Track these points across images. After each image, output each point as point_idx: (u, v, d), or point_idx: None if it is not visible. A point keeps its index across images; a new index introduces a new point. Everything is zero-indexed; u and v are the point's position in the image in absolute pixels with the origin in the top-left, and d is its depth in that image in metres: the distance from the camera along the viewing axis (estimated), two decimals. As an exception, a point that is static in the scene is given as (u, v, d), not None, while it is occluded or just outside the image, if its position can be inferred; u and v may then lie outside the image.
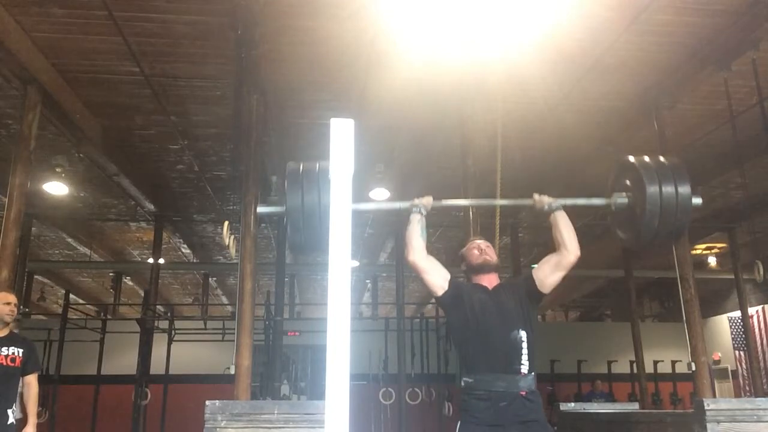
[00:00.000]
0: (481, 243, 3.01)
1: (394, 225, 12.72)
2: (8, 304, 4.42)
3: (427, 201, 2.96)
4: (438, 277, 2.82)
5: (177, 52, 6.92)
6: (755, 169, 9.46)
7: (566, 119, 8.18)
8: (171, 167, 10.34)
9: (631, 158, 2.73)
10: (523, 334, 2.69)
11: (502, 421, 2.58)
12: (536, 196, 2.99)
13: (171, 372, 11.02)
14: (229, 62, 6.95)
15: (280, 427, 3.21)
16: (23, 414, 4.41)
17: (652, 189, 2.53)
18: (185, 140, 9.09)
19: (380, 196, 10.14)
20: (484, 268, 2.89)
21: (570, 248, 2.78)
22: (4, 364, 4.23)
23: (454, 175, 8.53)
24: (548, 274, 2.80)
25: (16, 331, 4.73)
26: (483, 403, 2.61)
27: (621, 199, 2.74)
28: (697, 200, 2.58)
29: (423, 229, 2.87)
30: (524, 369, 2.65)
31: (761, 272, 11.19)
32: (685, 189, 2.53)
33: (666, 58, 7.04)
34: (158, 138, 9.19)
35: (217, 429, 3.16)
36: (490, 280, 2.88)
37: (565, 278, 2.82)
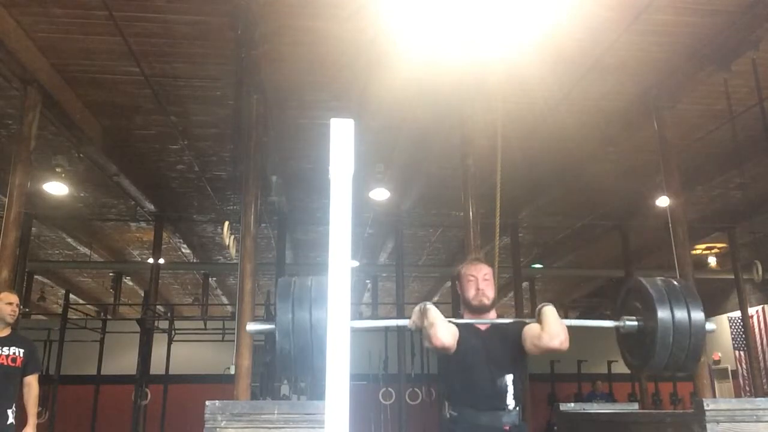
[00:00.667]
0: (479, 277, 2.85)
1: (394, 225, 12.74)
2: (10, 304, 4.41)
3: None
4: (455, 343, 2.65)
5: (177, 52, 6.92)
6: (755, 169, 9.46)
7: (566, 119, 8.18)
8: (171, 167, 10.34)
9: (642, 280, 2.61)
10: (508, 378, 2.69)
11: None
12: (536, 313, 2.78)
13: (171, 372, 11.02)
14: (229, 62, 6.95)
15: (280, 427, 3.21)
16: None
17: (664, 314, 2.44)
18: (185, 140, 9.09)
19: (380, 196, 10.14)
20: (480, 310, 2.83)
21: (546, 335, 2.57)
22: (5, 363, 4.23)
23: (454, 175, 8.54)
24: (530, 342, 2.66)
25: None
26: None
27: (630, 322, 2.62)
28: (711, 327, 2.50)
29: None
30: (509, 407, 2.67)
31: (760, 272, 11.20)
32: (698, 314, 2.44)
33: (666, 58, 7.04)
34: (158, 138, 9.19)
35: (217, 429, 3.16)
36: (485, 317, 2.83)
37: (543, 352, 2.68)
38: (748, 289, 14.20)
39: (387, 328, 11.80)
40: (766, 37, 6.27)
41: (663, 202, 8.44)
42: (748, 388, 14.07)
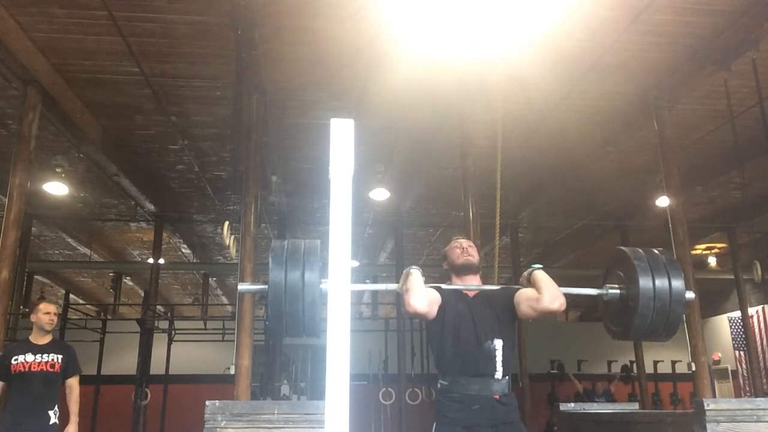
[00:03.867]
0: (464, 242, 2.97)
1: (394, 225, 12.73)
2: (48, 313, 4.66)
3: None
4: (435, 309, 2.72)
5: (177, 52, 6.92)
6: (755, 169, 9.46)
7: (566, 119, 8.18)
8: (171, 167, 10.34)
9: (625, 250, 2.70)
10: (497, 342, 2.70)
11: (475, 423, 2.62)
12: (523, 279, 2.84)
13: (171, 372, 11.01)
14: (229, 62, 6.95)
15: (280, 427, 3.20)
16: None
17: (646, 283, 2.52)
18: (185, 140, 9.09)
19: (380, 196, 10.14)
20: (465, 268, 2.87)
21: (546, 298, 2.62)
22: (45, 369, 4.51)
23: (454, 175, 8.54)
24: (526, 305, 2.71)
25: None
26: (456, 405, 2.65)
27: (613, 290, 2.71)
28: (690, 295, 2.57)
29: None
30: (498, 374, 2.68)
31: (760, 272, 11.20)
32: (678, 283, 2.52)
33: (666, 58, 7.04)
34: (158, 138, 9.19)
35: (217, 429, 3.16)
36: (471, 281, 2.88)
37: (536, 316, 2.73)
38: (748, 289, 14.19)
39: (387, 328, 11.80)
40: (766, 37, 6.27)
41: (663, 202, 8.44)
42: (748, 388, 14.07)
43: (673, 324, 2.56)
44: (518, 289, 2.80)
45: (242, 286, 2.61)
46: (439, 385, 2.76)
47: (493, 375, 2.68)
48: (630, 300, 2.60)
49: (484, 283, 3.02)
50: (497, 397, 2.66)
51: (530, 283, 2.74)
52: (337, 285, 1.18)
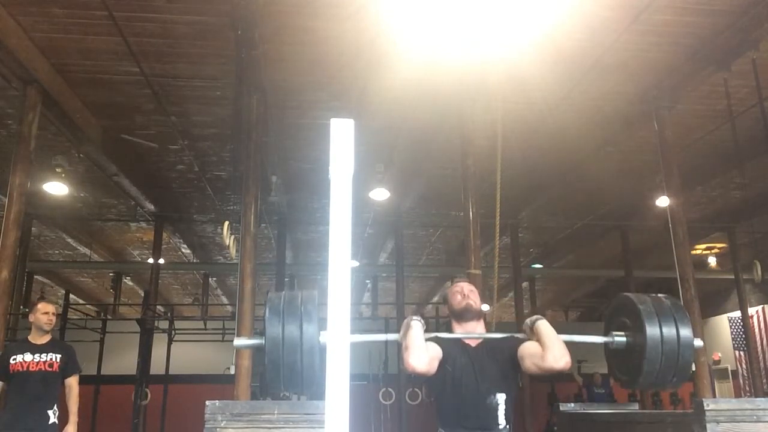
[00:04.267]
0: (465, 287, 2.87)
1: (394, 225, 12.73)
2: (46, 313, 4.67)
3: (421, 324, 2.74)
4: (435, 365, 2.64)
5: (177, 52, 6.92)
6: (755, 169, 9.46)
7: (566, 119, 8.18)
8: (171, 167, 10.34)
9: (630, 296, 2.64)
10: (500, 397, 2.64)
11: None
12: (526, 326, 2.75)
13: (171, 372, 11.02)
14: (229, 62, 6.95)
15: (280, 427, 3.21)
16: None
17: (653, 330, 2.46)
18: (185, 140, 9.09)
19: (380, 196, 10.13)
20: (466, 314, 2.80)
21: (550, 357, 2.53)
22: (43, 369, 4.51)
23: (454, 175, 8.54)
24: (530, 362, 2.62)
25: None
26: None
27: (620, 338, 2.64)
28: (698, 343, 2.51)
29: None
30: (500, 426, 2.64)
31: (759, 272, 11.21)
32: (686, 331, 2.46)
33: (666, 58, 7.04)
34: (158, 138, 9.19)
35: (217, 429, 3.16)
36: (473, 327, 2.80)
37: (539, 371, 2.60)
38: (748, 289, 14.20)
39: (387, 328, 11.80)
40: (766, 37, 6.27)
41: (663, 202, 8.44)
42: (748, 388, 14.07)
43: (684, 371, 2.48)
44: (522, 341, 2.70)
45: (238, 342, 2.50)
46: None
47: (496, 427, 2.63)
48: (637, 347, 2.52)
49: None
50: None
51: (533, 333, 2.65)
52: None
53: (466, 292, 2.83)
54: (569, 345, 2.60)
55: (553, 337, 2.58)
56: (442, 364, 2.65)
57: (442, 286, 17.51)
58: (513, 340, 2.73)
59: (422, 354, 2.52)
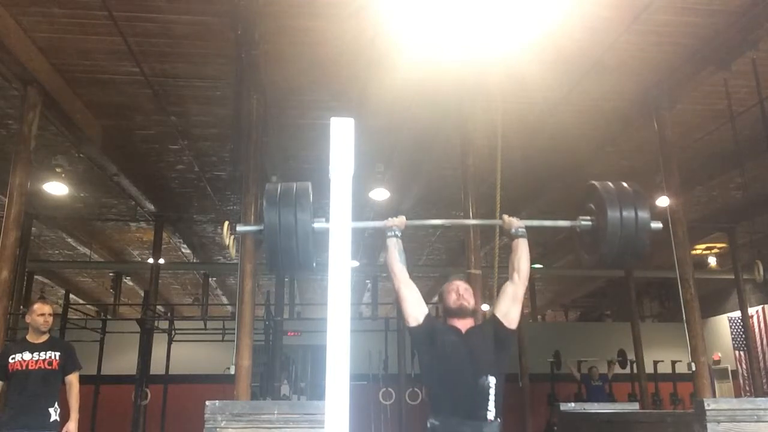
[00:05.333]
0: (460, 286, 2.98)
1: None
2: (42, 314, 4.69)
3: (401, 221, 2.97)
4: (415, 309, 2.84)
5: (177, 52, 6.92)
6: (755, 169, 9.46)
7: (566, 119, 8.18)
8: (171, 167, 10.34)
9: (596, 183, 2.88)
10: (491, 380, 2.70)
11: None
12: (506, 218, 3.08)
13: (171, 372, 11.02)
14: (229, 62, 6.95)
15: (280, 427, 3.21)
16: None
17: (613, 213, 2.70)
18: (185, 140, 9.09)
19: (380, 196, 10.13)
20: (460, 313, 2.89)
21: (522, 276, 2.90)
22: (43, 367, 4.54)
23: (454, 175, 8.54)
24: (509, 307, 2.85)
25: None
26: None
27: (585, 222, 2.89)
28: (656, 225, 2.75)
29: (401, 252, 2.93)
30: (490, 416, 2.68)
31: (761, 272, 11.20)
32: (644, 214, 2.70)
33: (666, 58, 7.04)
34: (158, 138, 9.18)
35: (217, 429, 3.16)
36: (464, 324, 2.89)
37: (523, 309, 2.88)
38: (748, 289, 14.19)
39: (387, 328, 11.80)
40: (766, 37, 6.27)
41: (663, 202, 8.44)
42: (748, 388, 14.07)
43: (639, 251, 2.76)
44: (493, 313, 2.93)
45: (240, 228, 2.79)
46: (429, 424, 2.75)
47: (486, 417, 2.66)
48: (600, 230, 2.79)
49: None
50: None
51: (511, 238, 3.03)
52: (338, 286, 1.18)
53: (461, 292, 2.94)
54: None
55: (528, 258, 3.00)
56: (432, 335, 2.81)
57: (442, 286, 17.49)
58: (487, 319, 2.98)
59: (400, 276, 2.88)
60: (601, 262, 2.89)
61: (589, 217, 2.88)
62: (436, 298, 18.23)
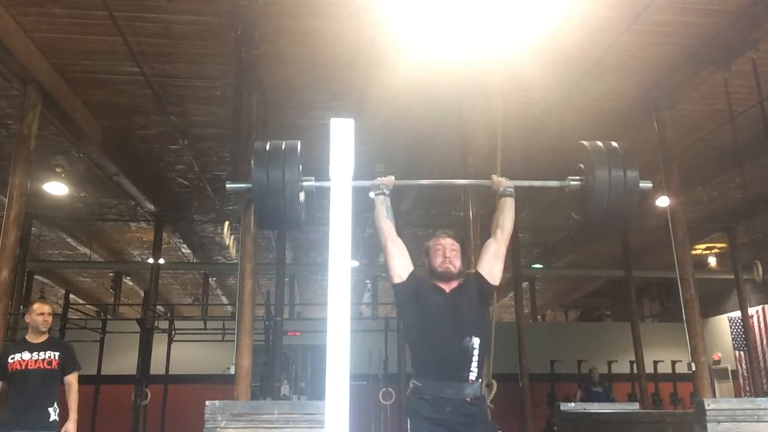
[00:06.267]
0: (447, 246, 2.96)
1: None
2: (42, 314, 4.68)
3: (389, 180, 3.04)
4: (400, 265, 2.86)
5: (177, 52, 6.92)
6: (755, 169, 9.46)
7: (566, 119, 8.17)
8: (171, 167, 10.34)
9: (585, 143, 2.85)
10: (475, 340, 2.70)
11: (448, 419, 2.65)
12: (494, 177, 3.10)
13: (171, 372, 11.02)
14: (229, 62, 6.95)
15: (280, 427, 3.20)
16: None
17: (602, 172, 2.65)
18: (185, 140, 9.09)
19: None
20: (445, 277, 2.89)
21: (505, 233, 2.93)
22: (42, 367, 4.53)
23: (454, 175, 8.52)
24: (492, 264, 2.88)
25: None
26: (429, 406, 2.67)
27: (574, 182, 2.86)
28: (645, 185, 2.70)
29: (388, 209, 2.97)
30: (472, 376, 2.69)
31: (760, 272, 11.20)
32: (633, 173, 2.66)
33: (666, 58, 7.03)
34: (158, 138, 9.18)
35: (217, 429, 3.16)
36: (449, 285, 2.89)
37: (505, 266, 2.93)
38: (748, 289, 14.19)
39: (387, 328, 11.81)
40: (766, 37, 6.27)
41: (663, 202, 8.44)
42: (748, 388, 14.07)
43: (627, 212, 2.70)
44: (477, 268, 2.94)
45: (230, 185, 2.80)
46: (411, 385, 2.78)
47: (468, 377, 2.68)
48: (588, 190, 2.73)
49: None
50: (469, 399, 2.69)
51: (498, 196, 3.04)
52: (338, 286, 1.18)
53: (447, 254, 2.94)
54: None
55: (513, 217, 3.01)
56: (415, 292, 2.82)
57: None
58: (471, 276, 2.96)
59: (387, 231, 2.93)
60: (589, 224, 2.83)
61: (578, 177, 2.85)
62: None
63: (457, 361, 2.68)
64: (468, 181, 3.23)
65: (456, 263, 2.91)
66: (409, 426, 2.75)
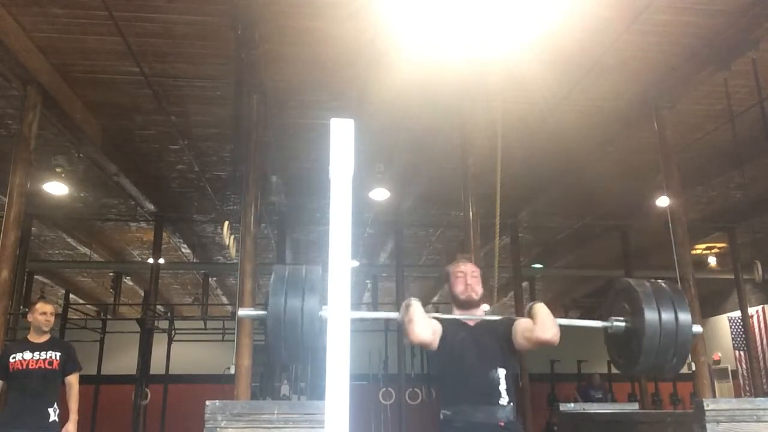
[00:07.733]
0: (468, 273, 2.90)
1: (394, 225, 12.73)
2: (44, 313, 4.67)
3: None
4: (437, 338, 2.73)
5: (177, 52, 6.92)
6: (755, 169, 9.46)
7: (566, 119, 8.18)
8: (171, 167, 10.34)
9: (629, 281, 2.65)
10: (501, 372, 2.69)
11: None
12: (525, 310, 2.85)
13: (171, 372, 11.02)
14: (229, 62, 6.95)
15: (280, 427, 3.20)
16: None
17: (651, 315, 2.46)
18: (185, 140, 9.09)
19: (380, 196, 10.13)
20: (468, 305, 2.87)
21: (539, 328, 2.62)
22: (43, 367, 4.52)
23: (454, 175, 8.54)
24: (521, 336, 2.70)
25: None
26: None
27: (618, 323, 2.66)
28: (697, 328, 2.50)
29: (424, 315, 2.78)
30: (503, 401, 2.66)
31: (760, 272, 11.20)
32: (685, 316, 2.45)
33: (666, 58, 7.03)
34: (158, 138, 9.18)
35: (217, 429, 3.16)
36: (473, 313, 2.88)
37: (535, 345, 2.67)
38: (748, 289, 14.20)
39: (387, 328, 11.80)
40: (766, 37, 6.27)
41: (663, 202, 8.44)
42: (748, 388, 14.07)
43: (681, 357, 2.47)
44: (516, 320, 2.78)
45: (242, 312, 2.57)
46: (441, 416, 2.71)
47: (498, 401, 2.65)
48: (636, 332, 2.52)
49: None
50: (502, 424, 2.61)
51: (530, 315, 2.71)
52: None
53: (469, 281, 2.88)
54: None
55: (545, 313, 2.66)
56: (444, 338, 2.73)
57: (442, 286, 17.52)
58: (509, 320, 2.84)
59: (426, 324, 2.64)
60: (635, 367, 2.61)
61: (622, 318, 2.65)
62: (436, 298, 18.25)
63: (486, 389, 2.66)
64: (496, 317, 2.80)
65: (477, 290, 2.88)
66: None
